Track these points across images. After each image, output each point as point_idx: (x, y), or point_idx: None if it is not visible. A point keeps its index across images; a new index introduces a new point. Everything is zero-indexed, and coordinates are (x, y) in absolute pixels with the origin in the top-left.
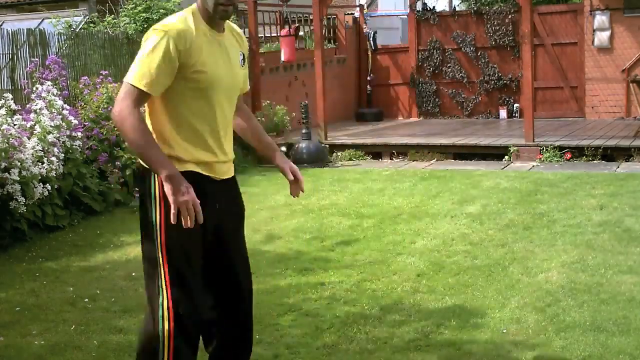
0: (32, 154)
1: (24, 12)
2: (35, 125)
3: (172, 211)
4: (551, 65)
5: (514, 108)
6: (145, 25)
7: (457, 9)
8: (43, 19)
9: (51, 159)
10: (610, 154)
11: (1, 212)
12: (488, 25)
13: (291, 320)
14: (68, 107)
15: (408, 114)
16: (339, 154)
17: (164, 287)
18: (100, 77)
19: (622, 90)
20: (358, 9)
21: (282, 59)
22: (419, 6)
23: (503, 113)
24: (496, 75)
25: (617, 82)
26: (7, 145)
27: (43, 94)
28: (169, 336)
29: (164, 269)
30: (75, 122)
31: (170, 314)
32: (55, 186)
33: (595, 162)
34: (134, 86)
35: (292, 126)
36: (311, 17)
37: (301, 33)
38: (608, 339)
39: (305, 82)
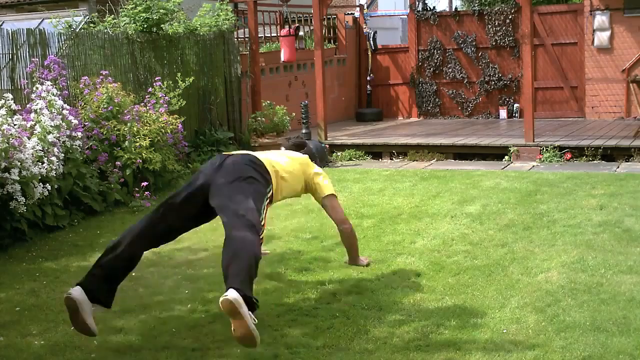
0: (32, 154)
1: (24, 12)
2: (35, 125)
3: None
4: (551, 65)
5: (514, 108)
6: (145, 25)
7: (458, 9)
8: (43, 19)
9: (51, 159)
10: (610, 154)
11: (1, 212)
12: (489, 26)
13: (291, 320)
14: (68, 107)
15: (408, 114)
16: (339, 154)
17: (262, 215)
18: (100, 77)
19: (622, 90)
20: (358, 9)
21: (282, 59)
22: (419, 6)
23: (503, 113)
24: (496, 75)
25: (617, 82)
26: (7, 145)
27: (43, 94)
28: (260, 239)
29: (264, 214)
30: (75, 122)
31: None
32: (55, 186)
33: (595, 162)
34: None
35: (292, 126)
36: (311, 17)
37: (301, 33)
38: (608, 339)
39: (305, 82)
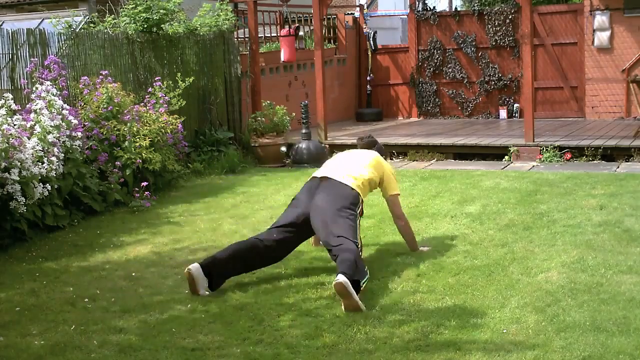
0: (32, 154)
1: (24, 12)
2: (35, 125)
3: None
4: (551, 65)
5: (514, 108)
6: (146, 25)
7: (458, 9)
8: (43, 19)
9: (51, 159)
10: (610, 154)
11: (1, 212)
12: (488, 26)
13: (291, 320)
14: (68, 107)
15: (408, 114)
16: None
17: (359, 235)
18: (100, 77)
19: (622, 90)
20: (358, 9)
21: (282, 59)
22: (419, 6)
23: (503, 113)
24: (496, 75)
25: (617, 82)
26: (7, 145)
27: (43, 94)
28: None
29: (358, 229)
30: (75, 122)
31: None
32: (55, 186)
33: (595, 162)
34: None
35: (292, 126)
36: (311, 17)
37: (301, 33)
38: (608, 339)
39: (305, 82)
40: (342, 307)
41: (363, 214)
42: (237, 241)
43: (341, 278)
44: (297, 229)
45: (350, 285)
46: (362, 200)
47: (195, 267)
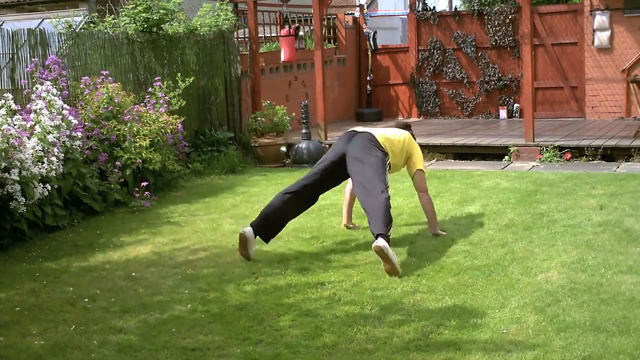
0: (32, 154)
1: (24, 12)
2: (35, 125)
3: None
4: (551, 65)
5: (514, 108)
6: (146, 25)
7: (458, 9)
8: (43, 19)
9: (51, 159)
10: (610, 154)
11: (1, 212)
12: (488, 26)
13: (291, 320)
14: (68, 107)
15: (408, 114)
16: None
17: (387, 180)
18: (101, 77)
19: (622, 90)
20: (358, 9)
21: (282, 59)
22: (419, 6)
23: (503, 113)
24: (496, 75)
25: (617, 82)
26: (7, 145)
27: (43, 94)
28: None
29: (387, 175)
30: (75, 122)
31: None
32: (55, 186)
33: (595, 162)
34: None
35: (292, 126)
36: (311, 17)
37: (301, 33)
38: (608, 339)
39: (305, 82)
40: (383, 268)
41: (391, 168)
42: (270, 202)
43: (381, 243)
44: (334, 168)
45: (389, 248)
46: (389, 156)
47: (248, 230)
